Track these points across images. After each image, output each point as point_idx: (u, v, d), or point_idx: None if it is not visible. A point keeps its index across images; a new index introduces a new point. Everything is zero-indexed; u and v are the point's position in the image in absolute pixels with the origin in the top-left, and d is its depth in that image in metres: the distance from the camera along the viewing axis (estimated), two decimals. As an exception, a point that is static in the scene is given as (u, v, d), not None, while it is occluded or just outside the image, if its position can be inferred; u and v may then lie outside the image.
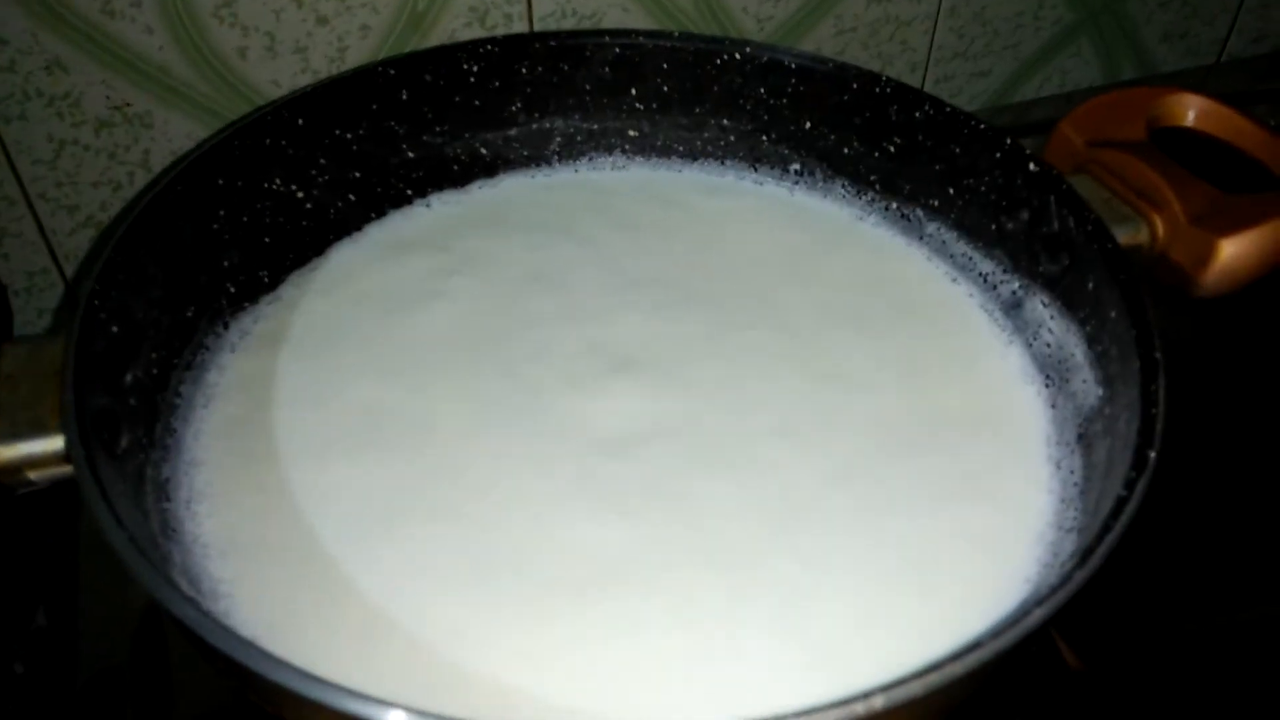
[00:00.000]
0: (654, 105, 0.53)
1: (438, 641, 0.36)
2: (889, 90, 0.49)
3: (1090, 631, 0.44)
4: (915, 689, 0.28)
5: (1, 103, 0.51)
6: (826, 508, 0.40)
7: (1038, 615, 0.30)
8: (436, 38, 0.56)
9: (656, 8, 0.60)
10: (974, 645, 0.30)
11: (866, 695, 0.28)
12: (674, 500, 0.40)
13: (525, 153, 0.54)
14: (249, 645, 0.29)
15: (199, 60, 0.53)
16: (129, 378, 0.39)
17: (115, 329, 0.38)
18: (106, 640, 0.45)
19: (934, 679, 0.29)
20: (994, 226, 0.48)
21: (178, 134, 0.55)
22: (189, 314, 0.44)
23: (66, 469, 0.34)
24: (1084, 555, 0.32)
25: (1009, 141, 0.46)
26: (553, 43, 0.51)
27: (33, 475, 0.36)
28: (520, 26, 0.57)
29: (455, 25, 0.56)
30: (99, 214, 0.56)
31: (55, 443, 0.35)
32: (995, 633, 0.30)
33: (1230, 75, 0.78)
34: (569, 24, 0.58)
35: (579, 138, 0.54)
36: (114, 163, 0.55)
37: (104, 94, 0.52)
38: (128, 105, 0.53)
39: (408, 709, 0.28)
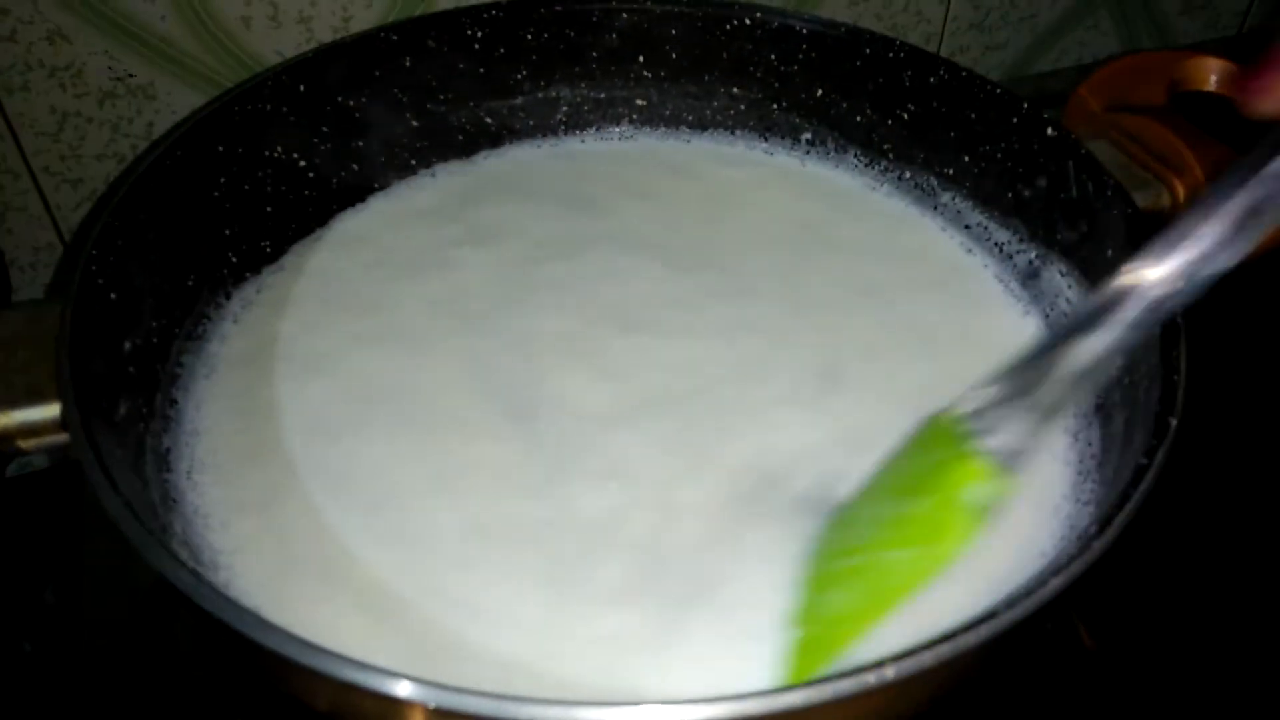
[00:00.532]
0: (662, 73, 0.53)
1: (439, 612, 0.35)
2: (903, 55, 0.48)
3: (1107, 610, 0.43)
4: (927, 659, 0.28)
5: (3, 74, 0.50)
6: (834, 480, 0.39)
7: (1054, 585, 0.30)
8: (441, 5, 0.55)
9: (666, -25, 0.59)
10: (988, 615, 0.29)
11: (878, 665, 0.27)
12: (678, 469, 0.39)
13: (531, 122, 0.53)
14: (248, 614, 0.29)
15: (202, 30, 0.52)
16: (128, 345, 0.39)
17: (113, 295, 0.38)
18: (113, 618, 0.44)
19: (945, 649, 0.28)
20: (1010, 194, 0.47)
21: (182, 106, 0.54)
22: (190, 282, 0.43)
23: (63, 436, 0.34)
24: (1103, 524, 0.31)
25: (1026, 106, 0.45)
26: (559, 8, 0.50)
27: (29, 443, 0.35)
28: (526, -6, 0.56)
29: (461, -7, 0.55)
30: (103, 188, 0.56)
31: (52, 410, 0.34)
32: (1010, 603, 0.29)
33: (1252, 47, 0.76)
34: (576, -9, 0.57)
35: (586, 107, 0.53)
36: (118, 135, 0.54)
37: (106, 65, 0.52)
38: (131, 76, 0.52)
39: (414, 678, 0.27)
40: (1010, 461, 0.32)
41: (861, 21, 0.64)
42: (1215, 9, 0.74)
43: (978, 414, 0.33)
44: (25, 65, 0.51)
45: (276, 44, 0.54)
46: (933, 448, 0.34)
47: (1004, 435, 0.32)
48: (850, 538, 0.36)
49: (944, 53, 0.68)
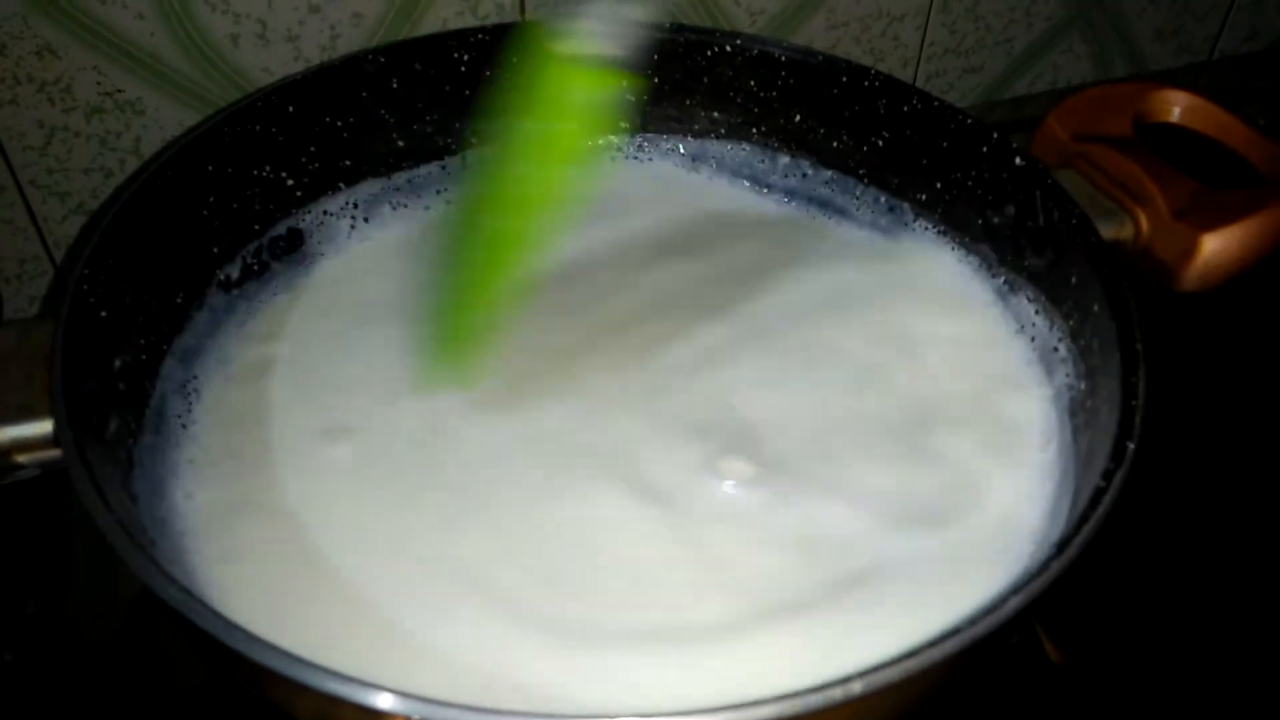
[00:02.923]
0: (644, 97, 0.53)
1: (422, 630, 0.36)
2: (878, 84, 0.49)
3: (1072, 625, 0.44)
4: (893, 674, 0.29)
5: (-8, 88, 0.51)
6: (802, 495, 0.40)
7: (1013, 604, 0.31)
8: (428, 26, 0.56)
9: (649, -1, 0.60)
10: (951, 632, 0.30)
11: (845, 681, 0.28)
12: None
13: (516, 143, 0.54)
14: (236, 628, 0.29)
15: (190, 47, 0.53)
16: (118, 363, 0.39)
17: (104, 313, 0.38)
18: (97, 629, 0.45)
19: (912, 665, 0.29)
20: (980, 221, 0.48)
21: (169, 121, 0.55)
22: (178, 300, 0.44)
23: (55, 453, 0.34)
24: (1061, 545, 0.32)
25: (995, 136, 0.46)
26: (543, 33, 0.51)
27: (22, 459, 0.36)
28: (512, 15, 0.57)
29: (447, 14, 0.56)
30: (90, 201, 0.56)
31: (44, 426, 0.35)
32: (972, 620, 0.30)
33: (1222, 73, 0.78)
34: (561, 14, 0.58)
35: (569, 128, 0.54)
36: (105, 149, 0.55)
37: (95, 80, 0.52)
38: (119, 92, 0.53)
39: (395, 691, 0.28)
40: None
41: (840, 45, 0.66)
42: (1186, 35, 0.76)
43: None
44: (14, 79, 0.51)
45: (264, 61, 0.54)
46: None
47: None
48: None
49: (921, 77, 0.70)
